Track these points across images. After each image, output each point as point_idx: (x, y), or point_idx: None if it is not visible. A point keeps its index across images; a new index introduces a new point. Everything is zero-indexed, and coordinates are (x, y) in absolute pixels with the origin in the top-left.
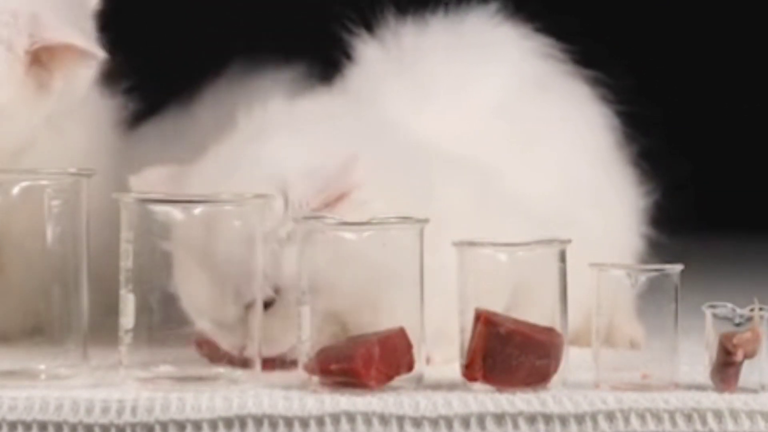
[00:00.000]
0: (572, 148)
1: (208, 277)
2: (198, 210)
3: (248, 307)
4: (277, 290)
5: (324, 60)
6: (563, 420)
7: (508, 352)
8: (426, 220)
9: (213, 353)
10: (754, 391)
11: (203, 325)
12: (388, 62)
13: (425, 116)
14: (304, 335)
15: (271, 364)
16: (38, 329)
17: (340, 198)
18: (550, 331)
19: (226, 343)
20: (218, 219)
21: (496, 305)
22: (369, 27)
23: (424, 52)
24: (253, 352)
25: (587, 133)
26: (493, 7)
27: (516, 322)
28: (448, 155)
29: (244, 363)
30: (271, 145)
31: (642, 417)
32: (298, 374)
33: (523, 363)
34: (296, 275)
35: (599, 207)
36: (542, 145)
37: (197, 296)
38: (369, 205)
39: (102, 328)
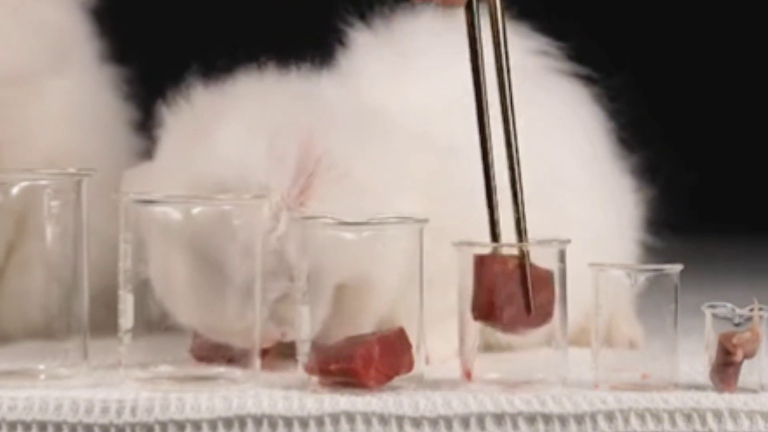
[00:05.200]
0: (554, 139)
1: (214, 285)
2: (196, 210)
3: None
4: (291, 279)
5: (319, 47)
6: (563, 420)
7: (512, 290)
8: (426, 220)
9: (211, 356)
10: (754, 391)
11: (213, 334)
12: (376, 44)
13: (402, 95)
14: (304, 335)
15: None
16: (38, 329)
17: (312, 177)
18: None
19: (240, 342)
20: (218, 221)
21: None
22: (363, 16)
23: (413, 36)
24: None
25: (574, 128)
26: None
27: (512, 259)
28: (416, 131)
29: (244, 362)
30: (228, 139)
31: (641, 417)
32: (298, 374)
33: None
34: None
35: (589, 201)
36: (522, 133)
37: (210, 311)
38: (339, 168)
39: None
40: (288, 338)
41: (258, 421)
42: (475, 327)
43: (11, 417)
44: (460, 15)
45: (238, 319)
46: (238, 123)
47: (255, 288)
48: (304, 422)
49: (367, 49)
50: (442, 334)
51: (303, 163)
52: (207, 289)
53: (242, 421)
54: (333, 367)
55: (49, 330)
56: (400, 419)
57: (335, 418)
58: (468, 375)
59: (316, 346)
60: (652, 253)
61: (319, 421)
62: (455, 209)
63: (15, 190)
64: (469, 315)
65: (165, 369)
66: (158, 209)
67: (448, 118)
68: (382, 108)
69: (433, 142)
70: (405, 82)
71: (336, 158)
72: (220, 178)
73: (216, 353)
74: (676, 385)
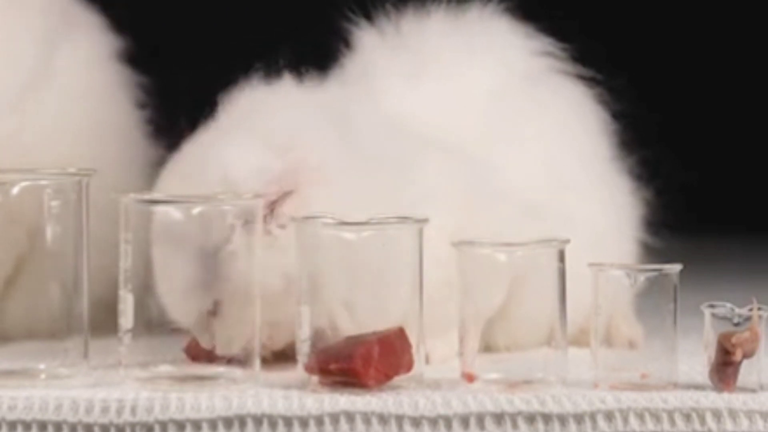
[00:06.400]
0: (561, 143)
1: (175, 276)
2: (196, 210)
3: (211, 313)
4: (217, 303)
5: (322, 48)
6: (562, 420)
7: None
8: (425, 220)
9: (205, 356)
10: (753, 390)
11: (183, 322)
12: (383, 48)
13: (413, 101)
14: (304, 335)
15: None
16: (38, 329)
17: (283, 197)
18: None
19: (202, 340)
20: (215, 219)
21: (495, 305)
22: (369, 17)
23: (422, 40)
24: (226, 351)
25: (579, 131)
26: (494, 4)
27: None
28: (432, 141)
29: (243, 362)
30: (226, 146)
31: (641, 417)
32: (298, 374)
33: None
34: (241, 284)
35: (591, 203)
36: (529, 139)
37: (165, 295)
38: (315, 203)
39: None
40: (220, 352)
41: (258, 420)
42: (476, 329)
43: (11, 416)
44: (470, 18)
45: (236, 324)
46: (240, 130)
47: (253, 291)
48: (303, 422)
49: (377, 53)
50: (443, 335)
51: (281, 181)
52: (204, 291)
53: (242, 420)
54: (333, 366)
55: (50, 330)
56: (399, 419)
57: (335, 418)
58: (470, 379)
59: (315, 346)
60: (652, 253)
61: (319, 421)
62: (475, 218)
63: (15, 190)
64: (469, 317)
65: (165, 369)
66: (158, 209)
67: (467, 124)
68: (400, 116)
69: (452, 148)
70: (421, 88)
71: (343, 170)
72: (208, 180)
73: (211, 353)
74: (675, 385)
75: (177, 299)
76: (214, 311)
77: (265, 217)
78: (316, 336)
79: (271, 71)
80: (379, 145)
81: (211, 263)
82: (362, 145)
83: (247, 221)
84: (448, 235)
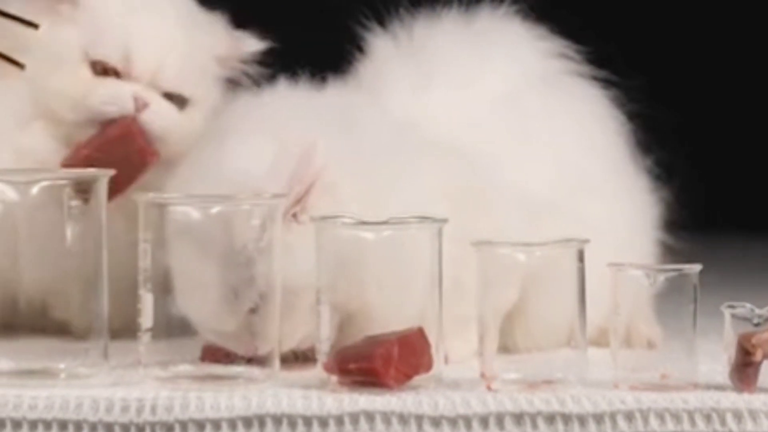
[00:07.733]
0: (577, 144)
1: (211, 282)
2: (215, 210)
3: (252, 311)
4: (262, 297)
5: (337, 54)
6: (582, 420)
7: None
8: (445, 220)
9: (221, 359)
10: None
11: (208, 335)
12: (396, 53)
13: (426, 106)
14: (323, 335)
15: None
16: (58, 329)
17: (309, 189)
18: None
19: (234, 347)
20: (233, 220)
21: (511, 302)
22: (382, 22)
23: (434, 44)
24: (266, 350)
25: (596, 132)
26: (506, 6)
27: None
28: (438, 143)
29: (262, 362)
30: (238, 146)
31: (661, 417)
32: (317, 373)
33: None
34: (284, 278)
35: (609, 204)
36: (544, 140)
37: (199, 305)
38: (337, 188)
39: None
40: (261, 352)
41: (277, 420)
42: (495, 330)
43: (32, 416)
44: (482, 20)
45: (233, 321)
46: (252, 131)
47: (275, 289)
48: (323, 421)
49: (390, 57)
50: (461, 335)
51: (302, 173)
52: (225, 290)
53: (261, 420)
54: (352, 366)
55: (69, 329)
56: (419, 419)
57: (355, 418)
58: (488, 385)
59: (334, 346)
60: (672, 253)
61: (339, 421)
62: (482, 219)
63: (35, 190)
64: (488, 317)
65: (185, 368)
66: (177, 209)
67: (476, 128)
68: (413, 120)
69: (460, 153)
70: (434, 92)
71: (352, 172)
72: (224, 181)
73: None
74: (696, 385)
75: (218, 306)
76: (255, 309)
77: (295, 214)
78: (336, 335)
79: (285, 75)
80: (380, 145)
81: (245, 261)
82: (365, 144)
83: (272, 218)
84: (447, 234)
